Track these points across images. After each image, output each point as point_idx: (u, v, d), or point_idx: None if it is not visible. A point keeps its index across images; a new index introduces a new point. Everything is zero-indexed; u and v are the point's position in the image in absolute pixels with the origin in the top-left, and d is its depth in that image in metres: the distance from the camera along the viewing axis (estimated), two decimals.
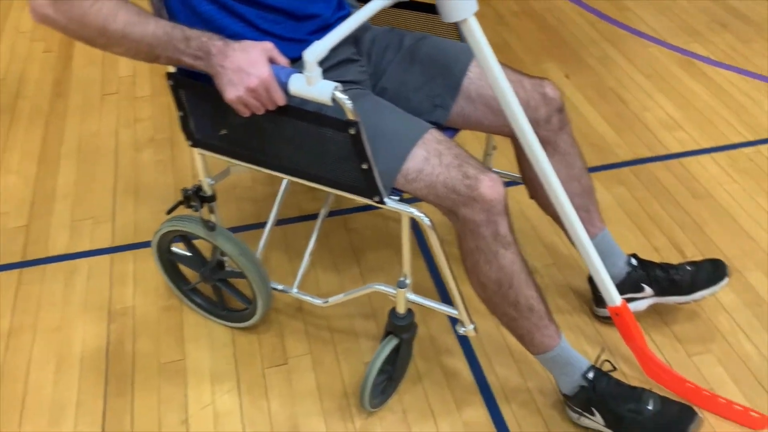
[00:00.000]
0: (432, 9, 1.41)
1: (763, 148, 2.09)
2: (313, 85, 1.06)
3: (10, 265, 1.71)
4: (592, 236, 1.47)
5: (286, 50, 1.19)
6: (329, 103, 1.06)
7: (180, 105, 1.26)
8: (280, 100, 1.10)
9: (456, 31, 1.44)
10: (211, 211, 1.44)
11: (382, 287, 1.32)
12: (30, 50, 2.56)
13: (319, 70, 1.06)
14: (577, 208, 1.44)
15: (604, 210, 1.87)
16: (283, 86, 1.09)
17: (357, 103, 1.18)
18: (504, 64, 1.35)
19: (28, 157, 2.04)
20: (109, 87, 2.37)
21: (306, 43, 1.22)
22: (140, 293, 1.64)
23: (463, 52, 1.35)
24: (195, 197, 1.39)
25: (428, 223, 1.17)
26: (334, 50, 1.27)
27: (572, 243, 1.35)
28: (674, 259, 1.73)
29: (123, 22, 1.05)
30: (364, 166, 1.13)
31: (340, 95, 1.06)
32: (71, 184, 1.95)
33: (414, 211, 1.17)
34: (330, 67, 1.27)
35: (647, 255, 1.74)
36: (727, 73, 2.42)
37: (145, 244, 1.76)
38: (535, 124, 1.35)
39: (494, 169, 1.65)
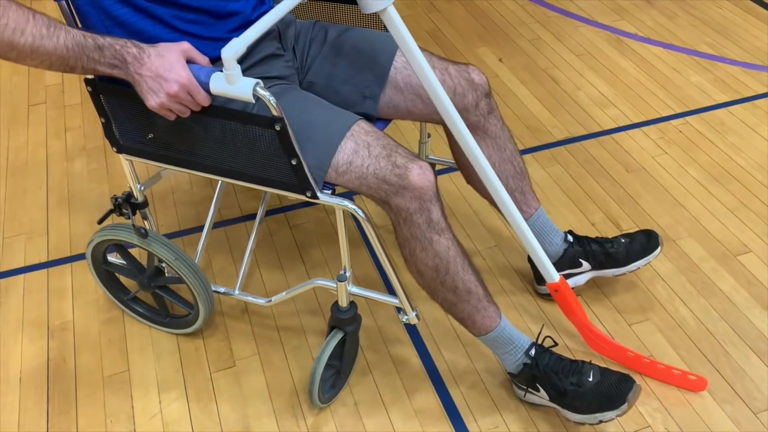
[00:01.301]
0: (353, 0, 1.41)
1: (690, 119, 2.16)
2: (234, 84, 1.05)
3: None
4: (528, 216, 1.49)
5: (206, 50, 1.18)
6: (251, 100, 1.05)
7: (101, 111, 1.23)
8: (204, 101, 1.09)
9: (380, 21, 1.44)
10: (144, 217, 1.41)
11: (323, 282, 1.32)
12: None
13: (238, 68, 1.04)
14: (512, 190, 1.47)
15: (541, 189, 1.91)
16: (205, 86, 1.08)
17: (282, 99, 1.18)
18: (430, 52, 1.37)
19: None
20: (36, 97, 2.29)
21: (227, 41, 1.21)
22: (79, 307, 1.60)
23: (387, 42, 1.35)
24: (126, 204, 1.36)
25: (362, 215, 1.17)
26: (258, 46, 1.26)
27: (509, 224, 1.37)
28: (611, 233, 1.77)
29: (31, 36, 1.02)
30: (294, 162, 1.13)
31: (262, 92, 1.04)
32: (1, 201, 1.88)
33: (347, 203, 1.17)
34: (254, 63, 1.25)
35: (585, 230, 1.78)
36: (654, 49, 2.49)
37: (82, 257, 1.71)
38: (464, 110, 1.36)
39: (430, 156, 1.66)
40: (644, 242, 1.53)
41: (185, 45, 1.08)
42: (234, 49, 1.03)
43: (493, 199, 1.34)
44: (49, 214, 1.84)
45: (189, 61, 1.08)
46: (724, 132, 2.10)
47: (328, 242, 1.77)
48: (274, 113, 1.07)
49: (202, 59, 1.10)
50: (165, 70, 1.05)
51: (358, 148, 1.15)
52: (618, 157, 2.02)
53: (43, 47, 1.04)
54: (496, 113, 1.42)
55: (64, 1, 1.13)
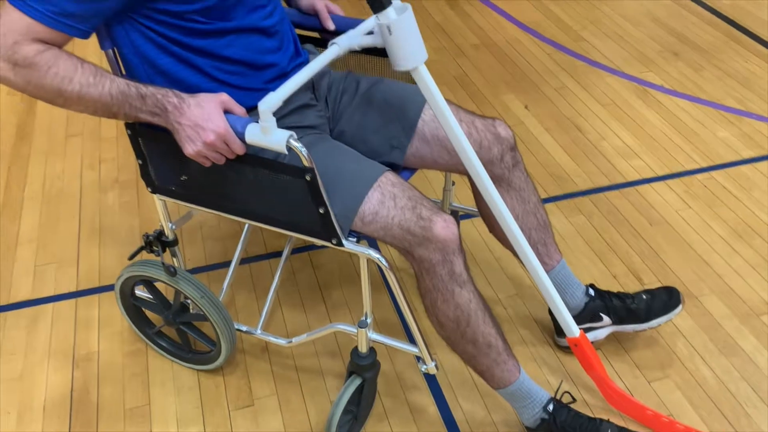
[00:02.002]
0: (386, 53, 1.45)
1: (715, 173, 2.17)
2: (268, 135, 1.09)
3: None
4: (550, 269, 1.50)
5: (244, 100, 1.22)
6: (284, 151, 1.08)
7: (139, 153, 1.28)
8: (239, 149, 1.13)
9: (409, 74, 1.48)
10: (173, 254, 1.45)
11: (344, 327, 1.34)
12: None
13: (273, 120, 1.08)
14: (535, 242, 1.48)
15: (564, 239, 1.92)
16: (241, 136, 1.12)
17: (313, 149, 1.22)
18: (457, 105, 1.40)
19: None
20: (73, 128, 2.37)
21: (264, 91, 1.26)
22: (105, 338, 1.64)
23: (417, 94, 1.39)
24: (157, 242, 1.40)
25: (385, 264, 1.20)
26: (293, 96, 1.30)
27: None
28: (632, 286, 1.77)
29: (78, 84, 1.08)
30: (321, 211, 1.16)
31: (295, 143, 1.08)
32: (35, 228, 1.94)
33: (371, 252, 1.20)
34: (288, 112, 1.30)
35: (606, 282, 1.79)
36: (680, 101, 2.50)
37: (110, 288, 1.75)
38: (489, 163, 1.39)
39: (454, 204, 1.69)
40: (666, 299, 1.53)
41: (223, 96, 1.12)
42: (270, 102, 1.07)
43: (515, 251, 1.35)
44: (80, 244, 1.89)
45: (226, 112, 1.13)
46: (749, 188, 2.10)
47: (350, 284, 1.79)
48: (306, 164, 1.11)
49: (239, 110, 1.14)
50: (203, 120, 1.09)
51: (384, 199, 1.18)
52: (641, 210, 2.03)
53: (89, 95, 1.09)
54: (520, 166, 1.45)
55: (110, 50, 1.19)
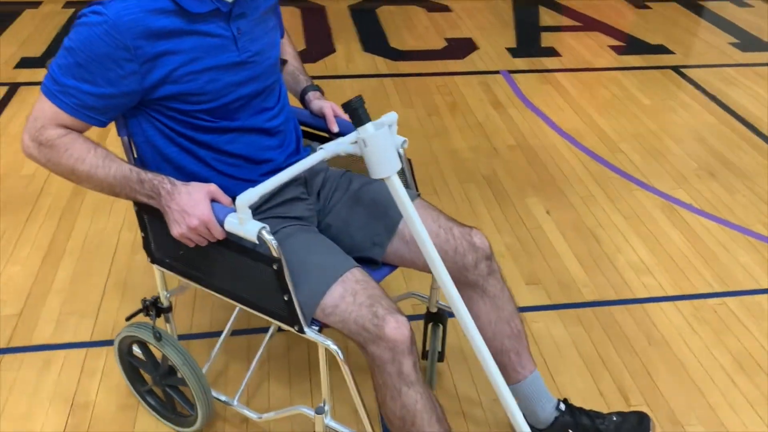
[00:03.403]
0: None
1: (728, 300, 2.14)
2: (243, 225, 1.22)
3: None
4: (522, 378, 1.53)
5: (238, 189, 1.35)
6: (255, 241, 1.20)
7: (143, 227, 1.43)
8: (219, 235, 1.25)
9: (400, 176, 1.59)
10: (167, 320, 1.58)
11: (306, 410, 1.41)
12: None
13: (248, 212, 1.21)
14: (507, 350, 1.52)
15: (558, 348, 1.94)
16: (221, 224, 1.25)
17: (291, 239, 1.33)
18: (439, 212, 1.49)
19: (37, 251, 2.24)
20: None
21: (258, 183, 1.40)
22: (104, 389, 1.77)
23: None
24: (152, 307, 1.53)
25: (341, 357, 1.28)
26: (285, 189, 1.44)
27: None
28: (617, 405, 1.76)
29: (89, 165, 1.25)
30: (286, 298, 1.26)
31: (266, 236, 1.20)
32: (68, 279, 2.13)
33: (329, 343, 1.28)
34: (278, 203, 1.43)
35: (592, 399, 1.78)
36: (707, 222, 2.50)
37: None
38: (464, 269, 1.46)
39: (440, 302, 1.75)
40: (635, 425, 1.52)
41: (212, 187, 1.26)
42: (247, 197, 1.20)
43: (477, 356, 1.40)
44: (103, 297, 2.06)
45: (214, 200, 1.27)
46: (761, 319, 2.06)
47: (337, 366, 1.86)
48: (274, 254, 1.22)
49: (225, 200, 1.28)
50: (189, 207, 1.23)
51: (345, 294, 1.27)
52: (643, 328, 2.02)
53: (96, 176, 1.26)
54: (497, 275, 1.51)
55: (125, 137, 1.36)
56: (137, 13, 1.20)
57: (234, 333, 1.90)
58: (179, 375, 1.59)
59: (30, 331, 1.93)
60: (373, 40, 4.00)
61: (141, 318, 1.57)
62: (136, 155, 1.39)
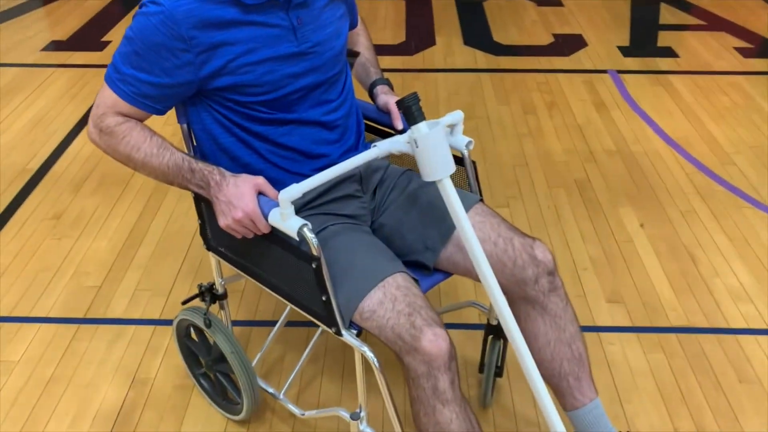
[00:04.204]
0: None
1: None
2: (285, 221, 1.19)
3: (72, 319, 1.97)
4: (580, 405, 1.41)
5: (290, 182, 1.34)
6: (295, 237, 1.17)
7: (200, 214, 1.44)
8: (264, 228, 1.23)
9: (460, 180, 1.51)
10: (222, 307, 1.59)
11: (343, 413, 1.37)
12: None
13: (291, 208, 1.18)
14: (566, 374, 1.41)
15: (633, 375, 1.79)
16: (266, 217, 1.23)
17: (338, 237, 1.30)
18: (501, 219, 1.40)
19: (124, 226, 2.35)
20: None
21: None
22: (164, 367, 1.82)
23: (464, 201, 1.41)
24: (207, 293, 1.55)
25: (376, 365, 1.22)
26: (339, 185, 1.41)
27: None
28: None
29: (144, 153, 1.27)
30: (324, 298, 1.22)
31: (307, 233, 1.17)
32: (147, 256, 2.21)
33: (365, 349, 1.23)
34: (331, 200, 1.39)
35: None
36: None
37: None
38: (522, 283, 1.36)
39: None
40: None
41: (259, 180, 1.24)
42: (290, 192, 1.17)
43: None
44: (177, 278, 2.12)
45: (261, 193, 1.25)
46: None
47: (392, 368, 1.81)
48: (314, 252, 1.19)
49: (272, 193, 1.25)
50: (236, 198, 1.22)
51: (384, 300, 1.21)
52: (735, 362, 1.82)
53: (151, 163, 1.27)
54: (559, 292, 1.40)
55: (185, 125, 1.38)
56: (193, 3, 1.20)
57: (293, 324, 1.90)
58: (228, 363, 1.60)
59: (106, 305, 2.02)
60: (476, 34, 3.89)
61: (199, 302, 1.59)
62: (195, 143, 1.40)
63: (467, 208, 1.40)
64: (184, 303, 1.58)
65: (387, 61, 3.52)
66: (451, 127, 1.43)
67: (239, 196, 1.22)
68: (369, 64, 1.61)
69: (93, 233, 2.32)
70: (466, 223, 1.23)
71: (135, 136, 1.27)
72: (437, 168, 1.20)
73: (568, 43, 3.76)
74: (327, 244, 1.29)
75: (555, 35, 3.87)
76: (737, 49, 3.69)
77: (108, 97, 1.27)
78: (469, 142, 1.44)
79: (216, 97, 1.30)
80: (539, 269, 1.36)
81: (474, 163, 1.49)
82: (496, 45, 3.76)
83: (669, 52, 3.65)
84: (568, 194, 2.51)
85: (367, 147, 1.50)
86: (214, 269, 1.54)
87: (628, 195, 2.50)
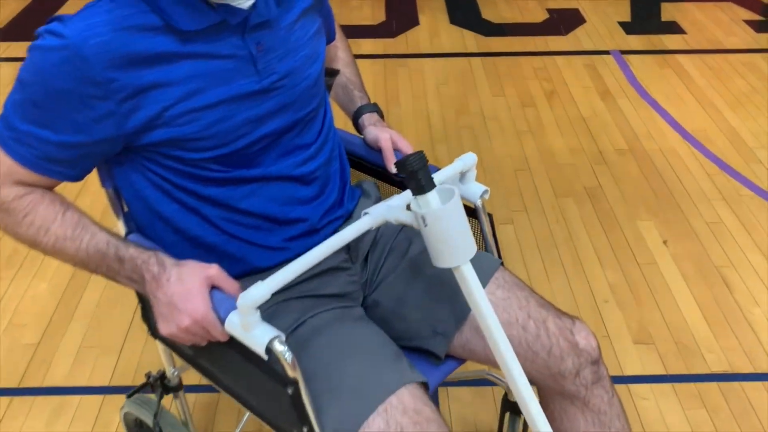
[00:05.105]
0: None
1: None
2: (249, 331, 0.87)
3: (5, 390, 1.64)
4: None
5: (256, 258, 1.03)
6: (263, 355, 0.86)
7: (140, 296, 1.11)
8: (220, 337, 0.92)
9: (480, 241, 1.20)
10: (176, 397, 1.28)
11: None
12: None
13: (255, 315, 0.86)
14: None
15: None
16: (224, 322, 0.91)
17: (317, 338, 0.99)
18: (530, 291, 1.10)
19: (65, 267, 2.00)
20: None
21: (283, 251, 1.05)
22: None
23: (481, 268, 1.10)
24: (157, 384, 1.23)
25: None
26: None
27: None
28: None
29: (54, 237, 0.94)
30: (305, 429, 0.92)
31: (278, 347, 0.86)
32: (93, 305, 1.87)
33: None
34: (311, 276, 1.07)
35: None
36: None
37: None
38: (559, 376, 1.07)
39: None
40: None
41: (212, 271, 0.92)
42: (253, 297, 0.85)
43: None
44: (128, 333, 1.79)
45: (215, 287, 0.93)
46: None
47: None
48: (289, 374, 0.87)
49: (230, 287, 0.93)
50: (180, 299, 0.90)
51: (388, 430, 0.91)
52: None
53: (65, 250, 0.94)
54: (604, 383, 1.10)
55: (111, 189, 1.04)
56: (108, 33, 0.85)
57: None
58: None
59: (45, 367, 1.69)
60: (463, 11, 3.52)
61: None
62: (125, 210, 1.07)
63: (485, 279, 1.10)
64: (129, 396, 1.27)
65: (367, 46, 3.16)
66: (462, 174, 1.12)
67: (185, 295, 0.90)
68: (352, 86, 1.28)
69: (30, 273, 1.97)
70: (489, 314, 0.92)
71: (41, 214, 0.94)
72: (453, 253, 0.89)
73: (564, 20, 3.42)
74: (307, 349, 0.98)
75: (549, 11, 3.52)
76: (747, 22, 3.38)
77: (1, 162, 0.93)
78: (485, 192, 1.13)
79: (150, 154, 0.96)
80: (581, 359, 1.07)
81: (490, 216, 1.18)
82: (485, 23, 3.40)
83: (674, 28, 3.33)
84: (579, 205, 2.21)
85: (354, 197, 1.18)
86: (164, 358, 1.22)
87: (646, 204, 2.21)
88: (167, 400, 1.30)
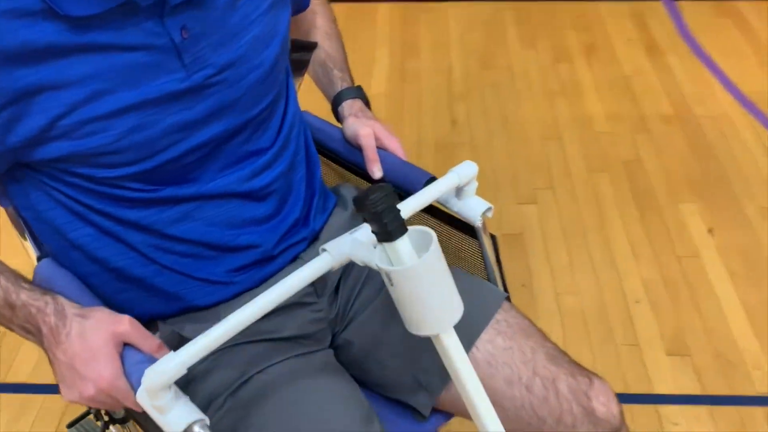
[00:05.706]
0: (450, 220, 0.97)
1: None
2: (164, 414, 0.68)
3: None
4: None
5: (196, 295, 0.83)
6: None
7: None
8: (134, 406, 0.72)
9: (480, 267, 0.97)
10: (124, 429, 1.11)
11: None
12: None
13: (169, 393, 0.67)
14: None
15: None
16: (137, 389, 0.72)
17: (263, 406, 0.82)
18: (543, 338, 0.89)
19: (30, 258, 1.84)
20: None
21: (230, 286, 0.85)
22: None
23: (478, 307, 0.88)
24: (101, 414, 1.07)
25: None
26: None
27: None
28: None
29: None
30: None
31: None
32: None
33: None
34: (267, 314, 0.87)
35: None
36: None
37: None
38: None
39: None
40: None
41: (123, 326, 0.72)
42: (160, 375, 0.65)
43: None
44: None
45: (129, 345, 0.73)
46: None
47: None
48: None
49: (147, 345, 0.73)
50: (82, 362, 0.71)
51: None
52: None
53: None
54: None
55: (11, 207, 0.83)
56: None
57: None
58: None
59: (10, 362, 1.55)
60: None
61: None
62: (30, 236, 0.87)
63: (484, 321, 0.88)
64: (69, 426, 1.11)
65: None
66: (459, 188, 0.89)
67: (88, 357, 0.71)
68: (331, 64, 1.04)
69: None
70: (472, 387, 0.71)
71: None
72: (429, 318, 0.67)
73: None
74: (249, 417, 0.79)
75: None
76: None
77: None
78: (488, 210, 0.90)
79: (52, 170, 0.75)
80: (598, 430, 0.85)
81: (494, 237, 0.95)
82: None
83: None
84: (614, 182, 1.95)
85: (327, 208, 0.96)
86: None
87: (691, 183, 1.94)
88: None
